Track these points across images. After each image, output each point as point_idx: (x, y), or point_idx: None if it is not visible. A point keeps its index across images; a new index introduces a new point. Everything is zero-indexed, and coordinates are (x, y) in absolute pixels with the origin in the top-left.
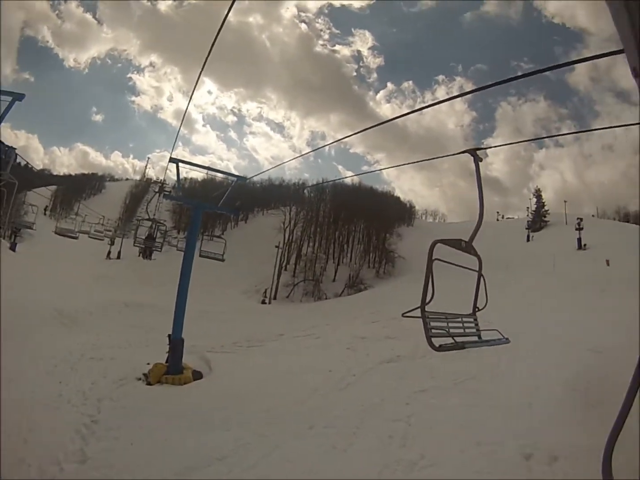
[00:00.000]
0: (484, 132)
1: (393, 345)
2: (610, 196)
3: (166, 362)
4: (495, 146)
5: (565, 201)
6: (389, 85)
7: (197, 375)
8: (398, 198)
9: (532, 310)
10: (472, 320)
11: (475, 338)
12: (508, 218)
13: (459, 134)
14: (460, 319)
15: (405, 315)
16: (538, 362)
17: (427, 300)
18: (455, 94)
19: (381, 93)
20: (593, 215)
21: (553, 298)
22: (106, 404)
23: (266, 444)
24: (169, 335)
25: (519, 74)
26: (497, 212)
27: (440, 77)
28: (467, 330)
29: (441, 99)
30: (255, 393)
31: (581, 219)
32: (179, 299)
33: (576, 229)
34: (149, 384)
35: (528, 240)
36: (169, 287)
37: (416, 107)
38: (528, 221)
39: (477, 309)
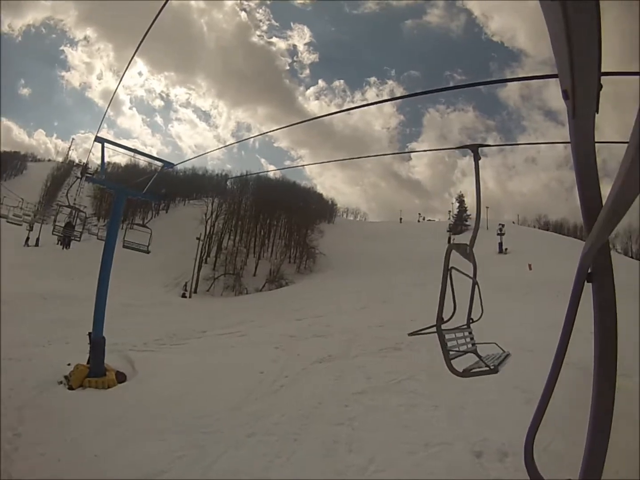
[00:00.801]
0: (410, 136)
1: (323, 344)
2: (531, 205)
3: (87, 363)
4: (499, 145)
5: (487, 207)
6: (321, 82)
7: (121, 378)
8: (320, 195)
9: (458, 310)
10: (466, 333)
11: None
12: (429, 220)
13: (384, 136)
14: (453, 333)
15: (413, 334)
16: (471, 361)
17: (448, 316)
18: (386, 97)
19: (312, 89)
20: (514, 222)
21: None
22: (28, 414)
23: (205, 456)
24: (89, 334)
25: (452, 84)
26: (419, 214)
27: (372, 79)
28: (461, 346)
29: (388, 98)
30: (186, 397)
31: (503, 225)
32: (99, 293)
33: (498, 234)
34: (70, 388)
35: (449, 242)
36: (90, 279)
37: (344, 107)
38: (450, 224)
39: (471, 321)
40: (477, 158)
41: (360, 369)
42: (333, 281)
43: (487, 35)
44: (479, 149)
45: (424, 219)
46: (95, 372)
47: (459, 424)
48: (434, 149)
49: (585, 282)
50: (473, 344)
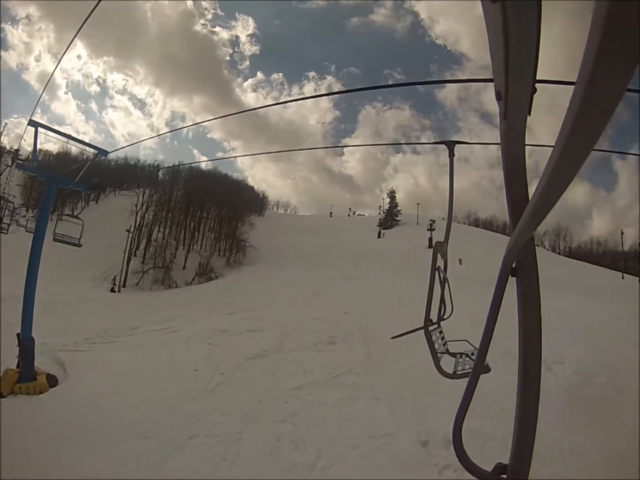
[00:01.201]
0: (344, 132)
1: (257, 339)
2: (461, 202)
3: (17, 367)
4: (473, 143)
5: (418, 203)
6: (259, 74)
7: (53, 381)
8: (252, 188)
9: (391, 303)
10: (438, 333)
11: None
12: (359, 215)
13: (319, 130)
14: (434, 334)
15: (398, 337)
16: (406, 353)
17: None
18: (324, 92)
19: (249, 81)
20: (443, 218)
21: (413, 293)
22: None
23: (148, 464)
24: (18, 335)
25: (390, 82)
26: (350, 209)
27: (312, 74)
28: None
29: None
30: (122, 401)
31: (434, 221)
32: (27, 289)
33: (428, 229)
34: (1, 396)
35: (379, 236)
36: (17, 273)
37: (281, 100)
38: (380, 219)
39: (442, 319)
40: (452, 154)
41: (296, 363)
42: (264, 274)
43: (431, 37)
44: (454, 146)
45: (354, 213)
46: (25, 376)
47: (401, 415)
48: (406, 143)
49: (510, 275)
50: (445, 343)
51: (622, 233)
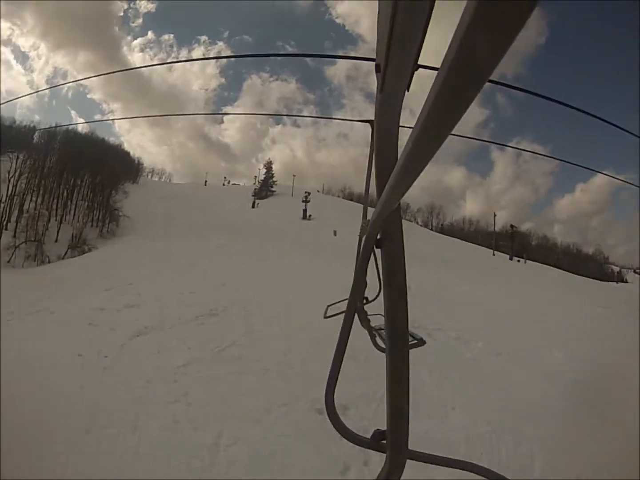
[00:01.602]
0: (227, 100)
1: (137, 315)
2: (337, 176)
3: None
4: (402, 126)
5: (294, 175)
6: (150, 34)
7: None
8: (128, 153)
9: (271, 275)
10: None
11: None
12: (234, 184)
13: (201, 97)
14: (340, 312)
15: (330, 317)
16: (287, 323)
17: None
18: (212, 56)
19: (139, 40)
20: (319, 191)
21: (289, 263)
22: None
23: (48, 469)
24: None
25: (281, 52)
26: (225, 178)
27: (203, 38)
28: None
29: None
30: (9, 400)
31: (309, 193)
32: None
33: (303, 201)
34: None
35: (253, 206)
36: None
37: (169, 60)
38: (255, 189)
39: (365, 300)
40: (374, 135)
41: (180, 339)
42: (138, 245)
43: (331, 16)
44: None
45: (229, 182)
46: None
47: (294, 384)
48: (329, 117)
49: (375, 247)
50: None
51: (494, 215)
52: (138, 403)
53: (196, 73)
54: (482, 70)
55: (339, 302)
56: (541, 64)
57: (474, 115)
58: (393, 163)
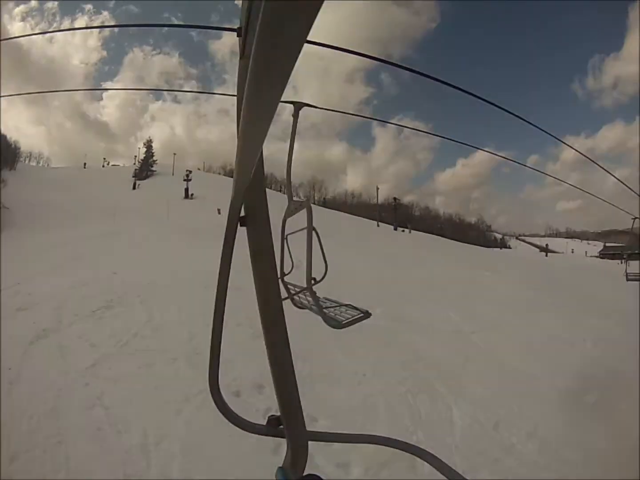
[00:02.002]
0: (108, 74)
1: (32, 318)
2: (218, 153)
3: None
4: (322, 108)
5: (174, 153)
6: (33, 2)
7: None
8: (5, 137)
9: (161, 259)
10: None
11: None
12: (114, 165)
13: (81, 72)
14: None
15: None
16: (185, 307)
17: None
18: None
19: (21, 7)
20: (199, 169)
21: (176, 245)
22: None
23: None
24: None
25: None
26: (104, 159)
27: (88, 7)
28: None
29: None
30: None
31: (190, 171)
32: None
33: (184, 180)
34: None
35: (134, 188)
36: None
37: (51, 29)
38: (135, 169)
39: (313, 281)
40: (296, 115)
41: (81, 338)
42: (22, 240)
43: None
44: (302, 108)
45: (108, 163)
46: None
47: (204, 370)
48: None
49: (239, 225)
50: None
51: (377, 188)
52: (54, 416)
53: (78, 46)
54: (296, 33)
55: (298, 292)
56: (430, 46)
57: (357, 92)
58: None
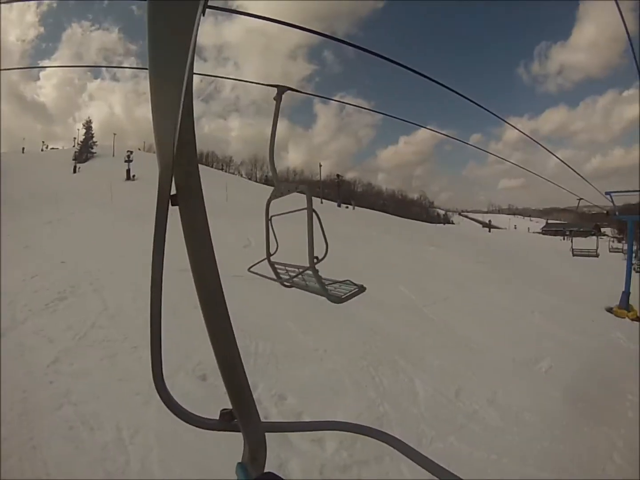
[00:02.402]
0: (45, 52)
1: None
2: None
3: None
4: (306, 93)
5: (114, 134)
6: None
7: None
8: None
9: (102, 244)
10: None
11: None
12: (52, 148)
13: (17, 49)
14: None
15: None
16: (139, 293)
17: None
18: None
19: None
20: (140, 149)
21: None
22: None
23: None
24: None
25: None
26: (43, 142)
27: None
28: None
29: None
30: None
31: (131, 152)
32: None
33: (125, 161)
34: None
35: (75, 171)
36: None
37: None
38: (75, 152)
39: (316, 260)
40: (279, 99)
41: (37, 333)
42: None
43: None
44: (285, 92)
45: (47, 147)
46: None
47: (167, 356)
48: (238, 79)
49: (171, 204)
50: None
51: (320, 165)
52: (25, 420)
53: (14, 22)
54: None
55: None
56: (376, 25)
57: (299, 69)
58: (177, 107)
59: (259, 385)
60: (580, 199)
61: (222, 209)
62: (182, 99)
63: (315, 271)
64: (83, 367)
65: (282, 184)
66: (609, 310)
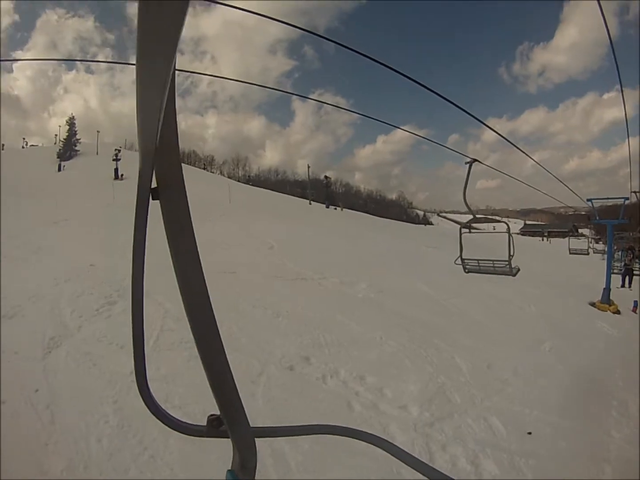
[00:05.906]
0: (19, 42)
1: (27, 327)
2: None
3: None
4: (492, 167)
5: (98, 131)
6: None
7: None
8: None
9: (110, 247)
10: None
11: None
12: (32, 145)
13: None
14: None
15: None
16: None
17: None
18: None
19: None
20: (121, 147)
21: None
22: None
23: None
24: None
25: None
26: (23, 139)
27: None
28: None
29: None
30: None
31: (119, 150)
32: None
33: (113, 160)
34: None
35: (59, 169)
36: None
37: None
38: (59, 149)
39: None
40: (470, 169)
41: (101, 340)
42: None
43: None
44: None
45: (27, 144)
46: None
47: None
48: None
49: (152, 199)
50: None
51: (308, 166)
52: (127, 426)
53: None
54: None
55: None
56: (358, 21)
57: (278, 65)
58: (162, 95)
59: (341, 371)
60: (567, 206)
61: (228, 211)
62: (167, 91)
63: (510, 263)
64: (172, 371)
65: (478, 216)
66: (592, 304)
